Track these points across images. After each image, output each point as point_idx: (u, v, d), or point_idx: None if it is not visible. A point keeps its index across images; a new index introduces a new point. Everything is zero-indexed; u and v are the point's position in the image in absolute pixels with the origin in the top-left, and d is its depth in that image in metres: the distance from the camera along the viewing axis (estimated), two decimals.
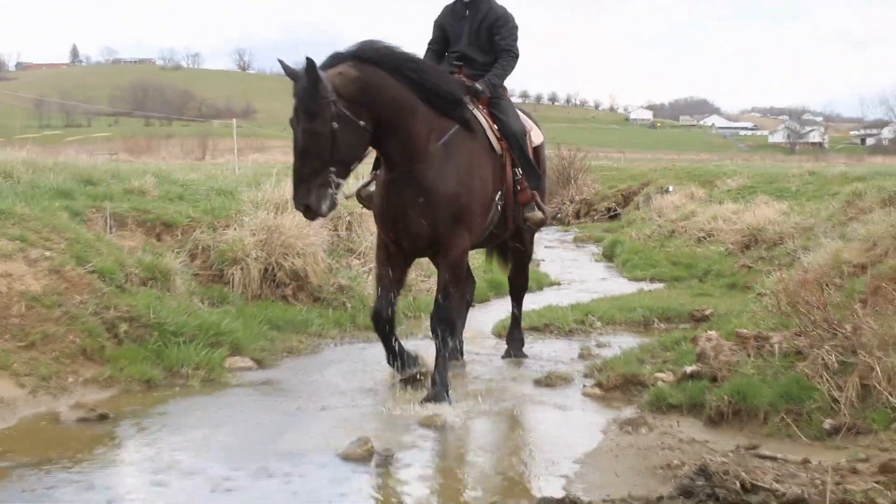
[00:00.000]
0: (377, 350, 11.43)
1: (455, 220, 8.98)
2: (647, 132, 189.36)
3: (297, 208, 8.40)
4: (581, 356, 11.06)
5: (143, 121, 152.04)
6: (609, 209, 32.74)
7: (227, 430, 8.21)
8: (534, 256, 19.66)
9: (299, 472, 7.17)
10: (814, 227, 16.39)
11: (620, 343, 11.68)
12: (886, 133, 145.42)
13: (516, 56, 9.97)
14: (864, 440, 7.20)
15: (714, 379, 8.63)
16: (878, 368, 7.55)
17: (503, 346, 11.60)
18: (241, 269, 12.71)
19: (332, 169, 8.19)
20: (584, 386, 9.75)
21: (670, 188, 29.69)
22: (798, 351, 8.34)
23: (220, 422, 8.44)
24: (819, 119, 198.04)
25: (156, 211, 13.52)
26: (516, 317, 11.40)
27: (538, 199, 9.87)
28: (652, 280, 17.76)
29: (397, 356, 9.42)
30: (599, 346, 11.62)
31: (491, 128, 9.54)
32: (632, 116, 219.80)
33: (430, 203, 8.84)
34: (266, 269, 12.96)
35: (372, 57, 8.51)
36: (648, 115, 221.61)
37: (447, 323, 9.23)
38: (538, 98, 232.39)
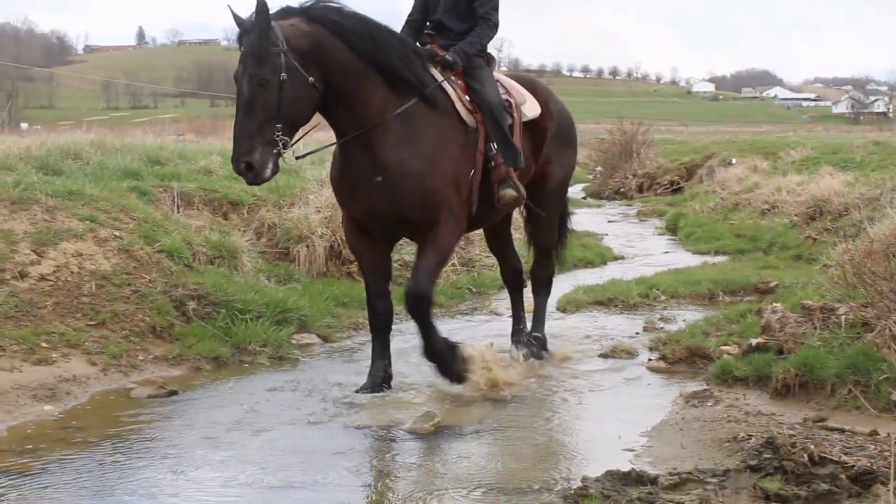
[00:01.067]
0: (445, 323, 11.49)
1: (426, 203, 8.22)
2: (709, 105, 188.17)
3: (237, 168, 7.67)
4: (645, 329, 11.03)
5: (208, 101, 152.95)
6: (672, 182, 32.54)
7: (295, 406, 8.27)
8: (599, 232, 19.71)
9: (364, 446, 7.26)
10: (880, 197, 16.22)
11: (685, 316, 11.66)
12: None
13: (494, 25, 9.01)
14: None
15: (780, 351, 8.58)
16: None
17: (569, 319, 11.63)
18: (307, 246, 12.81)
19: (279, 126, 7.59)
20: (649, 359, 9.73)
21: (733, 161, 29.50)
22: (865, 322, 8.28)
23: (288, 397, 8.53)
24: (883, 88, 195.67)
25: (222, 190, 13.65)
26: (539, 313, 10.28)
27: (513, 176, 8.77)
28: (716, 253, 17.67)
29: (384, 359, 8.61)
30: (663, 319, 11.58)
31: (461, 99, 8.64)
32: (694, 89, 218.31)
33: (391, 184, 8.14)
34: (331, 247, 13.04)
35: (323, 16, 7.94)
36: (710, 87, 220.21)
37: (425, 305, 8.36)
38: (599, 72, 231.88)
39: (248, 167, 7.52)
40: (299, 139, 8.29)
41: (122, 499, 6.15)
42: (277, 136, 7.57)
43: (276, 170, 7.72)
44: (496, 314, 11.73)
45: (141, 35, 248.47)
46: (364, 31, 8.05)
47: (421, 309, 8.32)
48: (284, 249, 13.01)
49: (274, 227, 13.16)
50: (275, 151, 7.59)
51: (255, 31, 7.49)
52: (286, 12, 7.86)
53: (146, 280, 10.18)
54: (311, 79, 7.71)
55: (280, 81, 7.50)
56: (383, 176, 8.12)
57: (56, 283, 9.73)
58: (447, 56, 8.65)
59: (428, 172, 8.19)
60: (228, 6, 8.04)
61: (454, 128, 8.51)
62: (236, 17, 7.82)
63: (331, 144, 8.70)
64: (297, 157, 8.19)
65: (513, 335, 10.11)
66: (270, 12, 7.64)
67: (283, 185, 14.05)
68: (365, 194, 8.30)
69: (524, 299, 10.42)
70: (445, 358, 8.36)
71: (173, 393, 8.43)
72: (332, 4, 8.05)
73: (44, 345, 8.90)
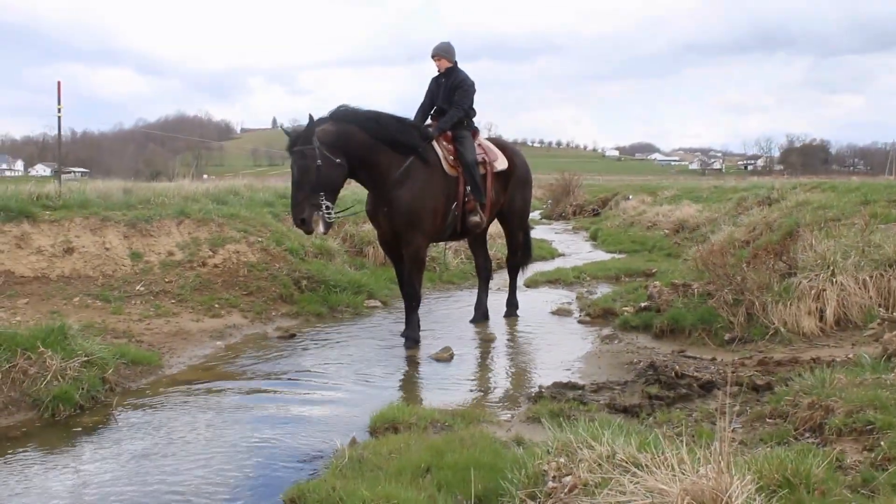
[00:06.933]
0: (457, 294, 11.47)
1: (409, 223, 7.94)
2: (615, 163, 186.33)
3: (295, 223, 7.41)
4: (577, 298, 10.98)
5: None
6: (593, 209, 32.25)
7: (363, 342, 8.32)
8: (549, 239, 19.59)
9: (407, 365, 7.33)
10: (717, 219, 16.22)
11: (601, 290, 11.59)
12: (759, 162, 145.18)
13: (463, 109, 8.53)
14: (749, 346, 7.21)
15: (658, 310, 8.58)
16: (756, 303, 7.59)
17: (533, 293, 11.58)
18: (373, 247, 12.78)
19: (322, 193, 7.30)
20: (580, 315, 9.71)
21: (630, 197, 29.37)
22: (709, 293, 8.30)
23: (361, 338, 8.55)
24: (719, 154, 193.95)
25: None
26: (512, 288, 10.08)
27: (479, 208, 8.55)
28: (620, 252, 17.54)
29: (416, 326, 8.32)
30: (588, 291, 11.51)
31: (447, 158, 8.32)
32: (606, 154, 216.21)
33: (391, 211, 7.94)
34: None
35: (342, 116, 7.71)
36: (616, 153, 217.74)
37: (413, 297, 8.24)
38: (549, 143, 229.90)
39: (303, 222, 7.26)
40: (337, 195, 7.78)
41: (266, 378, 6.27)
42: (321, 200, 7.30)
43: (327, 224, 7.35)
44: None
45: (274, 122, 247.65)
46: (372, 117, 7.87)
47: (409, 300, 8.27)
48: (360, 249, 13.01)
49: (354, 235, 13.16)
50: (321, 213, 7.29)
51: (304, 135, 7.30)
52: (319, 120, 7.56)
53: (277, 267, 10.21)
54: (337, 160, 7.45)
55: (317, 167, 7.27)
56: (388, 207, 7.97)
57: (223, 269, 9.79)
58: (428, 129, 8.38)
59: (414, 204, 7.93)
60: (281, 126, 7.84)
61: (438, 176, 8.22)
62: (286, 131, 7.62)
63: (350, 211, 8.39)
64: (336, 214, 7.56)
65: (475, 307, 9.67)
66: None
67: (360, 210, 13.97)
68: (380, 219, 8.18)
69: (502, 278, 10.37)
70: (412, 339, 8.16)
71: (293, 335, 8.46)
72: (348, 105, 7.85)
73: (216, 306, 8.97)
